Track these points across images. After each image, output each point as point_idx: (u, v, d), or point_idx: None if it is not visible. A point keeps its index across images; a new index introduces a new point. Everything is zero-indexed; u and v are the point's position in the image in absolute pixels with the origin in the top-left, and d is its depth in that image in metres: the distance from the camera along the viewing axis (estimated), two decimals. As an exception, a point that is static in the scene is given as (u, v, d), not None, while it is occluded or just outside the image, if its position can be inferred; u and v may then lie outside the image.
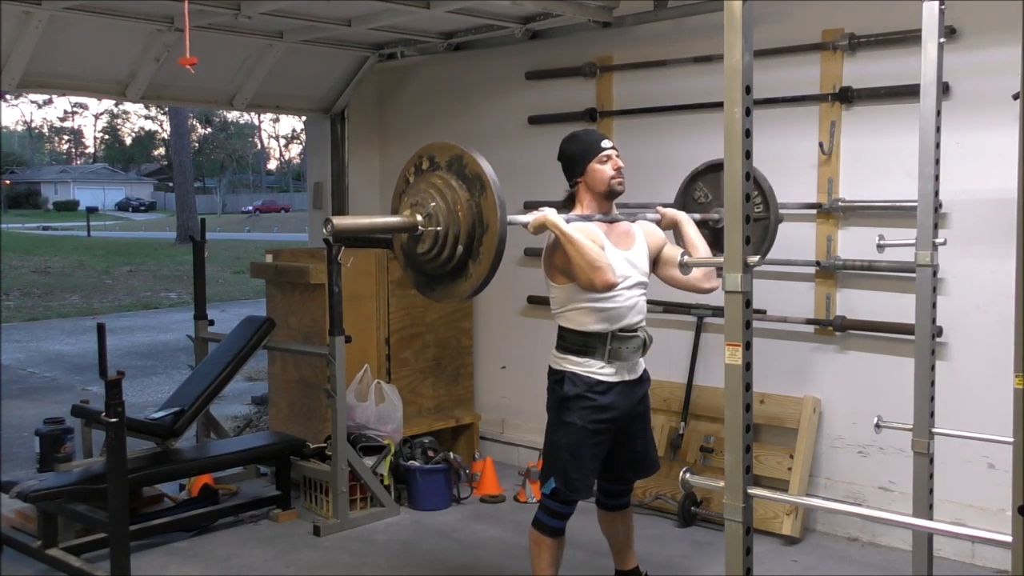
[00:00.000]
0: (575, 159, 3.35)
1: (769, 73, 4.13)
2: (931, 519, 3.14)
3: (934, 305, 3.12)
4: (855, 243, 4.31)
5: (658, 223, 3.53)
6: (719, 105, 2.27)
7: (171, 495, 4.90)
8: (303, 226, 9.34)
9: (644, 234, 3.43)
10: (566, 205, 3.41)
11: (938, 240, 3.12)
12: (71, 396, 7.05)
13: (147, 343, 11.38)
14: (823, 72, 4.37)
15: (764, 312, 4.49)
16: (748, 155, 2.19)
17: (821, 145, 4.37)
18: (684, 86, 4.83)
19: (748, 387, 2.22)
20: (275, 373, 5.54)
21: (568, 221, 3.21)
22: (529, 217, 3.17)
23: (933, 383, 3.12)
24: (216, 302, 13.54)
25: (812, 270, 4.45)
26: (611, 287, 3.16)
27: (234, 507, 4.77)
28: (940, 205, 3.44)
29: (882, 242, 3.39)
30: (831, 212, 4.36)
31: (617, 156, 3.35)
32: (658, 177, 4.95)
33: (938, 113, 3.08)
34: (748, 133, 2.18)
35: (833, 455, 4.49)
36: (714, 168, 3.90)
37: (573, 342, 3.30)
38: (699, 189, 3.96)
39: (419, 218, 2.92)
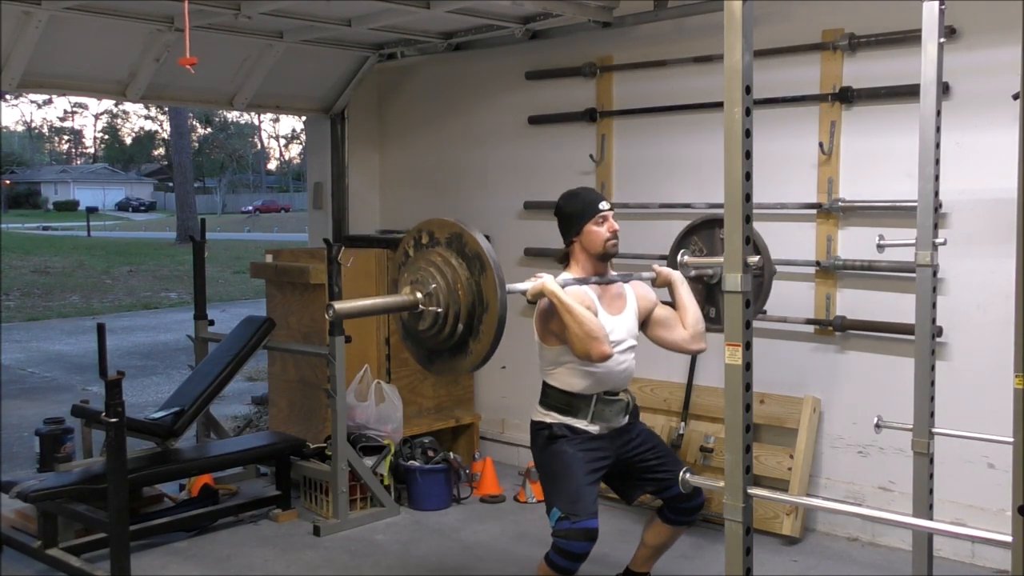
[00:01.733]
0: (572, 219, 3.38)
1: (769, 73, 4.13)
2: (931, 519, 3.14)
3: (934, 305, 3.12)
4: (855, 243, 4.31)
5: (653, 282, 3.54)
6: (719, 105, 2.27)
7: (171, 495, 4.90)
8: (303, 226, 9.35)
9: (636, 296, 3.48)
10: (562, 262, 3.46)
11: (938, 240, 3.12)
12: (71, 396, 7.05)
13: (147, 343, 11.38)
14: (823, 72, 4.36)
15: (764, 312, 4.48)
16: (748, 155, 2.19)
17: (821, 145, 4.37)
18: (684, 86, 4.83)
19: (748, 387, 2.22)
20: (275, 373, 5.54)
21: (564, 284, 3.24)
22: (527, 285, 3.21)
23: (933, 383, 3.12)
24: (216, 302, 13.55)
25: (812, 270, 4.45)
26: (607, 358, 3.20)
27: (234, 507, 4.77)
28: (940, 205, 3.44)
29: (882, 242, 3.39)
30: (831, 212, 4.36)
31: (613, 218, 3.38)
32: (658, 177, 4.97)
33: (938, 113, 3.08)
34: (748, 133, 2.18)
35: (833, 455, 4.49)
36: (709, 223, 3.90)
37: (557, 400, 3.36)
38: (694, 243, 3.99)
39: (419, 296, 2.95)
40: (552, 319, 3.26)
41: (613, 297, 3.41)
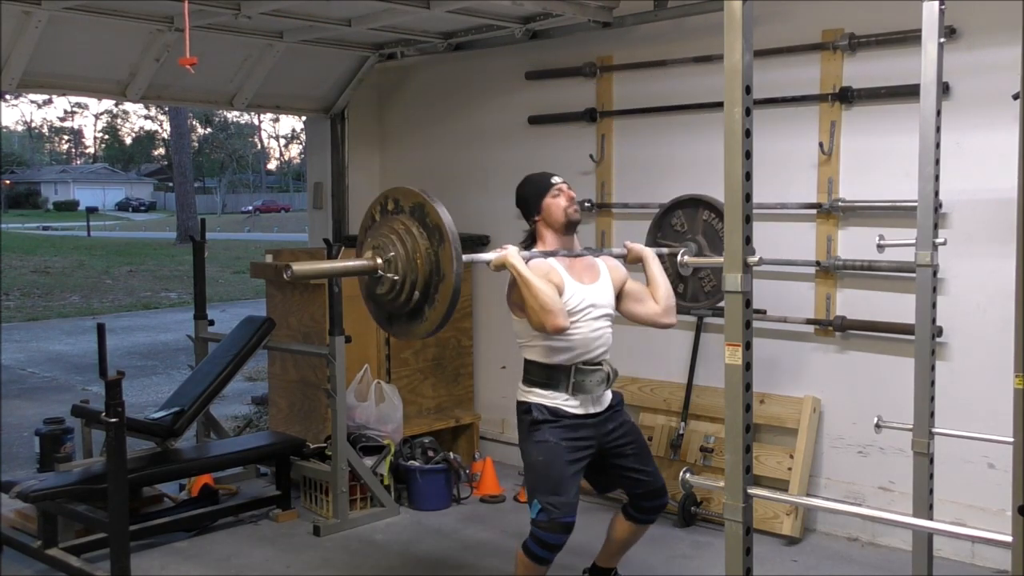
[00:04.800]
0: (529, 199, 3.45)
1: (769, 73, 4.13)
2: (931, 519, 3.14)
3: (934, 305, 3.12)
4: (855, 243, 4.31)
5: (624, 258, 3.59)
6: (719, 105, 2.27)
7: (171, 495, 4.90)
8: (303, 226, 9.34)
9: (608, 268, 3.51)
10: (526, 244, 3.49)
11: (938, 240, 3.11)
12: (71, 396, 7.05)
13: (147, 343, 11.38)
14: (823, 72, 4.37)
15: (764, 312, 4.49)
16: (748, 155, 2.19)
17: (821, 145, 4.37)
18: (684, 86, 4.83)
19: (748, 387, 2.22)
20: (275, 373, 5.54)
21: (530, 256, 3.29)
22: (491, 255, 3.25)
23: (933, 383, 3.12)
24: (216, 302, 13.55)
25: (812, 270, 4.45)
26: (560, 331, 3.21)
27: (234, 507, 4.77)
28: (940, 205, 3.44)
29: (882, 242, 3.39)
30: (831, 212, 4.36)
31: (569, 188, 3.44)
32: (658, 177, 4.97)
33: (938, 113, 3.08)
34: (748, 133, 2.18)
35: (833, 455, 4.49)
36: (696, 203, 4.05)
37: (538, 375, 3.37)
38: (677, 218, 4.11)
39: (379, 261, 3.01)
40: (515, 290, 3.30)
41: (584, 268, 3.44)
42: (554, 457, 3.30)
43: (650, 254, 3.58)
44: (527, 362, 3.41)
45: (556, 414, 3.33)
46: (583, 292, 3.34)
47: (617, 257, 3.59)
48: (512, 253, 3.23)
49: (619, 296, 3.52)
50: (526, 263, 3.23)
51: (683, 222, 4.04)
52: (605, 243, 5.19)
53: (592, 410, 3.39)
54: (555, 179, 3.44)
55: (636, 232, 4.86)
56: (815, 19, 4.36)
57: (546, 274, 3.27)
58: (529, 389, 3.39)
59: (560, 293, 3.26)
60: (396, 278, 2.96)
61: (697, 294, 4.06)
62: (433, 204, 2.95)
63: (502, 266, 3.23)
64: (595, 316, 3.36)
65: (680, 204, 4.10)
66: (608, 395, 3.47)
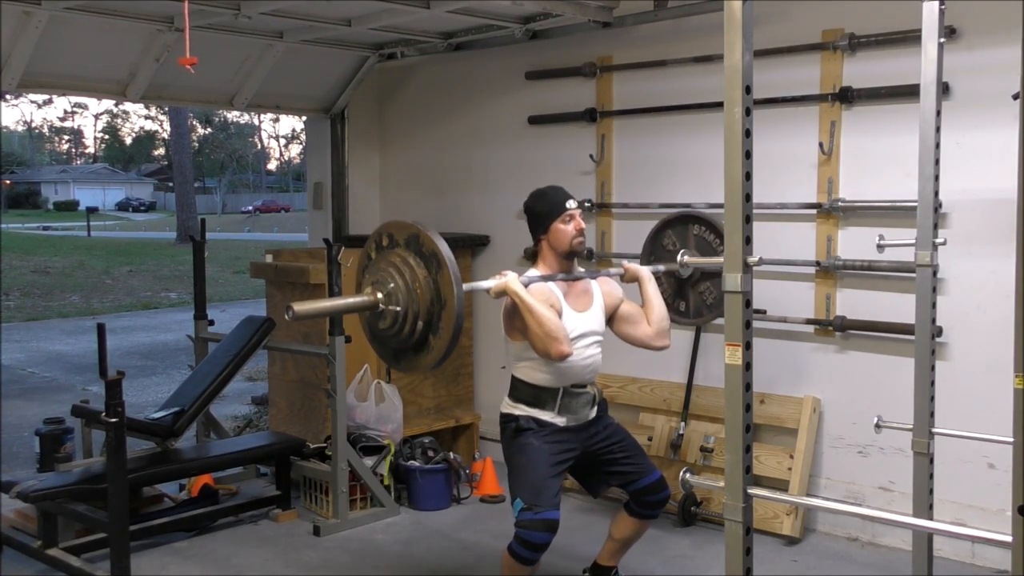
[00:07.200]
0: (540, 217, 3.45)
1: (769, 73, 4.13)
2: (931, 519, 3.14)
3: (934, 305, 3.12)
4: (855, 243, 4.31)
5: (621, 277, 3.62)
6: (719, 105, 2.27)
7: (171, 495, 4.90)
8: (303, 226, 9.34)
9: (602, 292, 3.53)
10: (531, 260, 3.54)
11: (938, 240, 3.11)
12: (71, 396, 7.06)
13: (147, 343, 11.38)
14: (823, 72, 4.37)
15: (764, 312, 4.48)
16: (748, 155, 2.19)
17: (821, 145, 4.37)
18: (684, 86, 4.83)
19: (748, 387, 2.23)
20: (275, 373, 5.54)
21: (529, 281, 3.30)
22: (491, 283, 3.26)
23: (933, 383, 3.12)
24: (216, 302, 13.55)
25: (812, 270, 4.45)
26: (565, 358, 3.24)
27: (234, 507, 4.77)
28: (940, 205, 3.44)
29: (882, 242, 3.39)
30: (831, 212, 4.36)
31: (580, 217, 3.44)
32: (658, 177, 4.97)
33: (938, 113, 3.08)
34: (748, 133, 2.18)
35: (833, 455, 4.49)
36: (684, 219, 3.98)
37: (525, 393, 3.41)
38: (668, 237, 4.07)
39: (379, 296, 3.03)
40: (516, 316, 3.32)
41: (579, 294, 3.46)
42: (537, 458, 3.34)
43: (646, 275, 3.62)
44: (515, 379, 3.45)
45: (541, 424, 3.38)
46: (576, 320, 3.38)
47: (613, 277, 3.62)
48: (512, 279, 3.26)
49: (613, 318, 3.56)
50: (525, 287, 3.26)
51: (674, 240, 4.02)
52: (605, 244, 5.20)
53: (576, 424, 3.44)
54: (570, 203, 3.42)
55: (636, 232, 4.86)
56: (815, 19, 4.36)
57: (546, 299, 3.30)
58: (515, 404, 3.43)
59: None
60: (398, 309, 2.98)
61: (700, 308, 4.01)
62: (427, 233, 2.98)
63: (503, 293, 3.26)
64: (587, 344, 3.41)
65: (669, 223, 4.04)
66: (594, 410, 3.51)
